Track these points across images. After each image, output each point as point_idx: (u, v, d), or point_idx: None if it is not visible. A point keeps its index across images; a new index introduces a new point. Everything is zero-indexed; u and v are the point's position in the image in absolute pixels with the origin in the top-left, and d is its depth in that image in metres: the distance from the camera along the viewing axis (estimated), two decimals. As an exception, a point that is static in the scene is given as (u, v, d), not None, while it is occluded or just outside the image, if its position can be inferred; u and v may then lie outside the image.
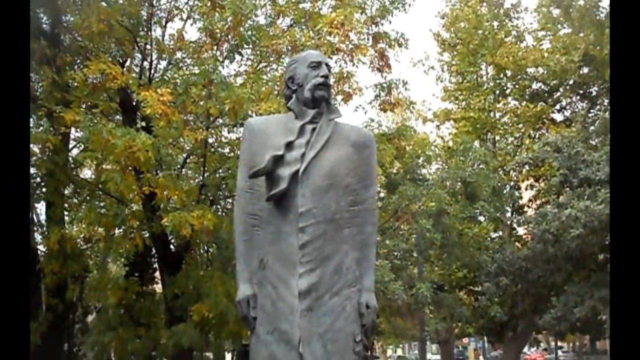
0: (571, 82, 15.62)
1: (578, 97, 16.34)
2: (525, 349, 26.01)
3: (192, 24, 7.99)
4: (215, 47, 7.35)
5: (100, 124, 6.22)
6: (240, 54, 7.42)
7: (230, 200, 7.94)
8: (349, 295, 2.17)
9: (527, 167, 14.36)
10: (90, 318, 11.98)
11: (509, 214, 15.41)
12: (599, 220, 10.06)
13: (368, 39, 7.58)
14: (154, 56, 7.86)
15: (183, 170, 8.16)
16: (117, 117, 7.92)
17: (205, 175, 7.69)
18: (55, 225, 7.50)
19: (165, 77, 7.49)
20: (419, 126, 16.25)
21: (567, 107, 16.62)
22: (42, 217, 9.28)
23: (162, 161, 7.35)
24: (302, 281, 2.10)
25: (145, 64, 7.82)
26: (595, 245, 11.01)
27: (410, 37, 7.87)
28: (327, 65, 2.35)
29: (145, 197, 6.74)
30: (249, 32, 7.10)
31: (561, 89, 16.00)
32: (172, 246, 8.18)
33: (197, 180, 7.89)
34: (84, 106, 7.36)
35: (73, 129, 7.73)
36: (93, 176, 9.05)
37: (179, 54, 7.87)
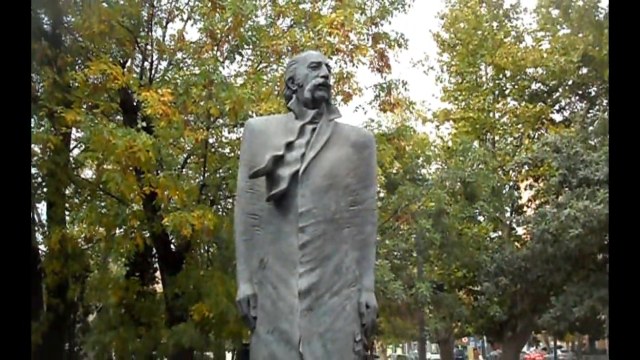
0: (570, 82, 15.67)
1: (577, 98, 16.38)
2: (525, 349, 26.01)
3: (192, 25, 8.03)
4: (215, 48, 7.37)
5: (101, 124, 6.23)
6: (240, 54, 7.44)
7: (230, 200, 7.96)
8: (349, 295, 2.17)
9: (526, 167, 14.41)
10: (91, 318, 11.99)
11: (508, 214, 15.45)
12: (598, 220, 10.10)
13: (368, 40, 7.60)
14: (155, 56, 7.87)
15: (183, 170, 8.17)
16: (118, 117, 7.94)
17: (206, 175, 7.71)
18: (56, 225, 7.51)
19: (165, 77, 7.51)
20: (419, 126, 16.35)
21: (566, 107, 16.68)
22: (43, 217, 9.30)
23: (163, 161, 7.38)
24: (302, 281, 2.11)
25: (146, 64, 7.84)
26: (594, 245, 11.05)
27: (410, 37, 7.90)
28: (327, 65, 2.36)
29: (146, 197, 6.76)
30: (249, 33, 7.12)
31: (560, 90, 16.04)
32: (172, 246, 8.19)
33: (197, 181, 7.90)
34: (84, 106, 7.37)
35: (74, 129, 7.75)
36: (94, 176, 9.07)
37: (179, 55, 7.88)
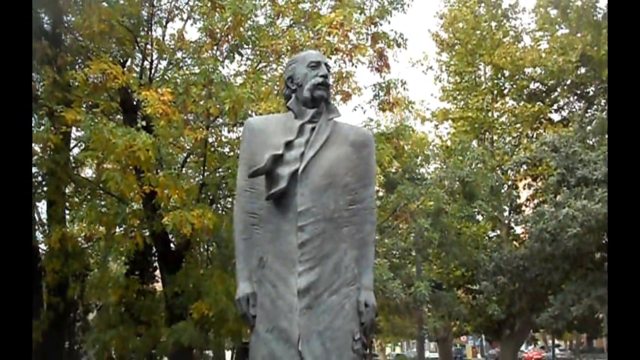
0: (568, 82, 15.70)
1: (575, 97, 16.42)
2: (523, 347, 26.06)
3: (192, 24, 8.04)
4: (215, 47, 7.40)
5: (101, 123, 6.25)
6: (240, 54, 7.46)
7: (230, 199, 7.99)
8: (348, 294, 2.18)
9: (524, 166, 14.45)
10: (91, 316, 12.01)
11: (506, 213, 15.49)
12: (596, 220, 10.14)
13: (367, 39, 7.62)
14: (155, 56, 7.89)
15: (183, 169, 8.18)
16: (118, 116, 7.96)
17: (205, 174, 7.73)
18: (56, 224, 7.52)
19: (165, 76, 7.53)
20: (418, 126, 16.37)
21: (565, 107, 16.72)
22: (44, 216, 9.32)
23: (163, 160, 7.39)
24: (301, 279, 2.12)
25: (146, 63, 7.85)
26: (592, 244, 11.10)
27: (409, 37, 7.91)
28: (326, 65, 2.37)
29: (146, 196, 6.78)
30: (249, 32, 7.15)
31: (559, 89, 16.07)
32: (172, 245, 8.21)
33: (197, 180, 7.92)
34: (84, 106, 7.40)
35: (74, 129, 7.77)
36: (94, 175, 9.12)
37: (179, 54, 7.90)
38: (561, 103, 16.60)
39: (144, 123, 6.47)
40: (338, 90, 7.92)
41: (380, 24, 7.70)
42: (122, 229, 7.79)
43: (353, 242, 2.23)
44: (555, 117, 16.55)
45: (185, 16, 8.03)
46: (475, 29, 16.13)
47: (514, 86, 16.40)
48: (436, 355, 26.49)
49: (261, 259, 2.21)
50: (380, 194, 11.66)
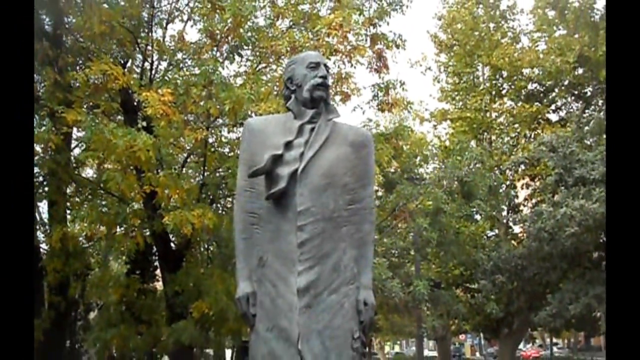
0: (566, 82, 15.75)
1: (573, 98, 16.48)
2: (521, 346, 26.13)
3: (192, 26, 8.11)
4: (215, 48, 7.45)
5: (102, 124, 6.29)
6: (240, 54, 7.50)
7: (230, 199, 8.02)
8: (347, 293, 2.19)
9: (522, 166, 14.51)
10: (92, 315, 12.02)
11: (504, 213, 15.55)
12: (594, 219, 10.19)
13: (366, 40, 7.68)
14: (155, 57, 7.92)
15: (183, 169, 8.22)
16: (119, 117, 7.99)
17: (206, 174, 7.76)
18: (57, 224, 7.54)
19: (166, 77, 7.55)
20: (416, 126, 16.37)
21: (562, 107, 16.77)
22: (45, 216, 9.35)
23: (163, 160, 7.43)
24: (300, 279, 2.13)
25: (146, 64, 7.89)
26: (589, 244, 11.14)
27: (408, 38, 8.01)
28: (325, 66, 2.39)
29: (146, 196, 6.82)
30: (249, 34, 7.19)
31: (556, 90, 16.12)
32: (172, 244, 8.25)
33: (197, 180, 7.95)
34: (85, 106, 7.43)
35: (75, 129, 7.81)
36: (95, 175, 9.16)
37: (179, 55, 7.94)
38: (559, 103, 16.66)
39: (144, 123, 6.51)
40: (337, 90, 7.97)
41: (379, 25, 7.76)
42: (122, 228, 7.83)
43: (352, 241, 2.25)
44: (553, 117, 16.62)
45: (185, 17, 8.08)
46: (474, 30, 16.18)
47: (512, 87, 16.45)
48: (435, 353, 26.54)
49: (261, 258, 2.23)
50: (379, 193, 11.71)
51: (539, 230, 11.26)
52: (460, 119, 16.07)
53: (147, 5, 7.67)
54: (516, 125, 16.24)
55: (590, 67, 14.95)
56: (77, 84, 7.15)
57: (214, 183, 7.58)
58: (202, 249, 9.22)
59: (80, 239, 8.15)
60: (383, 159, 8.01)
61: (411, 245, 12.08)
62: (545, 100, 16.23)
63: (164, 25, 8.06)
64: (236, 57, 7.45)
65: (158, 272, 9.85)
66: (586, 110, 15.46)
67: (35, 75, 7.29)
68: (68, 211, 8.58)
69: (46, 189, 8.10)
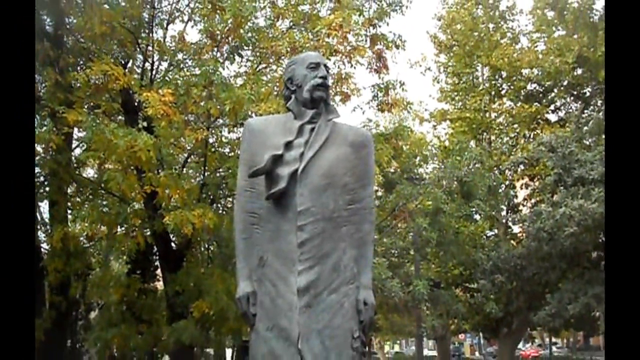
0: (565, 83, 15.79)
1: (572, 98, 16.51)
2: (520, 345, 26.15)
3: (193, 26, 8.14)
4: (215, 49, 7.47)
5: (103, 124, 6.31)
6: (240, 55, 7.53)
7: (230, 199, 8.04)
8: (347, 292, 2.19)
9: (522, 166, 14.53)
10: (93, 315, 12.03)
11: (504, 213, 15.57)
12: (593, 219, 10.22)
13: (366, 41, 7.71)
14: (156, 57, 7.94)
15: (184, 169, 8.23)
16: (119, 117, 8.02)
17: (206, 174, 7.78)
18: (58, 224, 7.56)
19: (166, 78, 7.57)
20: (416, 126, 16.40)
21: (561, 107, 16.80)
22: (46, 216, 9.36)
23: (164, 161, 7.45)
24: (300, 278, 2.14)
25: (147, 65, 7.91)
26: (588, 243, 11.17)
27: (407, 38, 8.04)
28: (325, 66, 2.40)
29: (147, 196, 6.84)
30: (249, 34, 7.22)
31: (555, 90, 16.16)
32: (173, 244, 8.27)
33: (197, 180, 7.97)
34: (86, 107, 7.46)
35: (76, 129, 7.82)
36: (95, 175, 9.18)
37: (180, 56, 7.95)
38: (558, 104, 16.69)
39: (145, 124, 6.54)
40: (337, 91, 8.00)
41: (379, 26, 7.79)
42: (123, 228, 7.85)
43: (352, 241, 2.25)
44: (552, 117, 16.66)
45: (186, 18, 8.10)
46: (473, 30, 16.22)
47: (512, 87, 16.49)
48: (434, 353, 26.57)
49: (261, 258, 2.23)
50: (379, 193, 11.74)
51: (538, 230, 11.29)
52: (460, 119, 16.10)
53: (148, 6, 7.70)
54: (515, 126, 16.27)
55: (589, 67, 14.99)
56: (78, 85, 7.17)
57: (214, 183, 7.61)
58: (202, 249, 9.24)
59: (81, 238, 8.18)
60: (383, 159, 8.04)
61: (411, 245, 12.11)
62: (544, 101, 16.26)
63: (165, 25, 8.09)
64: (236, 57, 7.48)
65: (159, 271, 9.87)
66: (585, 111, 15.50)
67: (36, 76, 7.32)
68: (69, 211, 8.61)
69: (47, 189, 8.13)
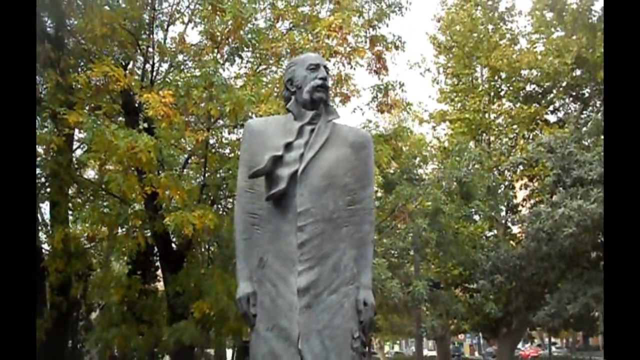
0: (564, 84, 15.82)
1: (571, 99, 16.54)
2: (520, 345, 26.20)
3: (193, 28, 8.13)
4: (215, 50, 7.49)
5: (104, 125, 6.35)
6: (240, 56, 7.55)
7: (230, 200, 8.07)
8: (347, 293, 2.20)
9: (521, 167, 14.55)
10: (93, 315, 12.04)
11: (503, 213, 15.58)
12: (592, 219, 10.24)
13: (365, 42, 7.74)
14: (156, 59, 7.97)
15: (184, 170, 8.26)
16: (120, 118, 8.04)
17: (206, 175, 7.80)
18: (59, 225, 7.59)
19: (167, 79, 7.61)
20: (416, 127, 16.44)
21: (560, 108, 16.83)
22: (47, 217, 9.38)
23: (164, 162, 7.49)
24: (301, 279, 2.15)
25: (148, 66, 7.93)
26: (588, 244, 11.19)
27: (407, 40, 8.08)
28: (325, 67, 2.41)
29: (148, 197, 6.86)
30: (249, 35, 7.24)
31: (554, 91, 16.19)
32: (173, 245, 8.29)
33: (198, 181, 7.99)
34: (87, 108, 7.48)
35: (77, 130, 7.84)
36: (96, 176, 9.19)
37: (180, 57, 7.99)
38: (557, 104, 16.72)
39: (145, 125, 6.58)
40: (337, 92, 8.03)
41: (379, 27, 7.83)
42: (124, 229, 7.87)
43: (352, 241, 2.26)
44: (551, 118, 16.69)
45: (186, 19, 8.12)
46: (472, 31, 16.25)
47: (511, 88, 16.52)
48: (434, 353, 26.59)
49: (261, 258, 2.24)
50: (379, 194, 11.76)
51: (537, 231, 11.32)
52: (459, 120, 16.13)
53: (148, 8, 7.72)
54: (514, 126, 16.30)
55: (588, 68, 15.02)
56: (79, 86, 7.20)
57: (214, 184, 7.63)
58: (202, 250, 9.26)
59: (82, 239, 8.20)
60: (382, 159, 8.07)
61: (410, 245, 12.13)
62: (543, 102, 16.29)
63: (165, 27, 8.11)
64: (236, 58, 7.51)
65: (159, 272, 9.88)
66: (584, 111, 15.54)
67: (37, 77, 7.34)
68: (70, 212, 8.63)
69: (48, 190, 8.16)
